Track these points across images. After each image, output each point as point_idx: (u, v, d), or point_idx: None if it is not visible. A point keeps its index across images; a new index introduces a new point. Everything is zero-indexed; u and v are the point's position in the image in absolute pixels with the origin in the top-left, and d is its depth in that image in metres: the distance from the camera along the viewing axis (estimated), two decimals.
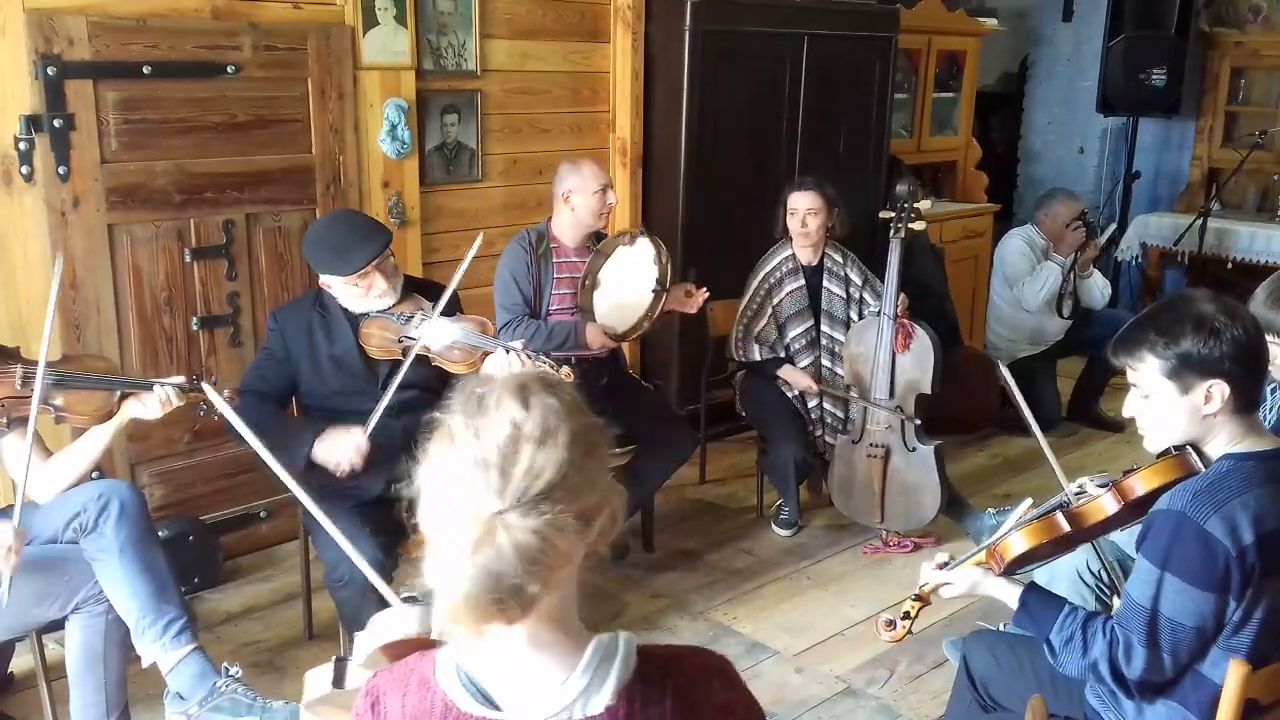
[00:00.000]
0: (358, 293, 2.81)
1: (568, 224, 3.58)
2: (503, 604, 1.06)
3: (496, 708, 1.15)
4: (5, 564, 2.23)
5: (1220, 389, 1.82)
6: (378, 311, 2.85)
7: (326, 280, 2.84)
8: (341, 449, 2.71)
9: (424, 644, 1.40)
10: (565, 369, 2.78)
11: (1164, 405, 1.88)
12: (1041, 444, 2.28)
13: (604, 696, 1.13)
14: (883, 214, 3.96)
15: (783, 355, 3.98)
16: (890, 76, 5.08)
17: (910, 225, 3.84)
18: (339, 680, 1.57)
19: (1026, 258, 4.96)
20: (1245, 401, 1.85)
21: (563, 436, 1.11)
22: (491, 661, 1.16)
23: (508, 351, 2.75)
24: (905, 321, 3.77)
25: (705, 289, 3.62)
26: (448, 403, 1.16)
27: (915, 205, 3.86)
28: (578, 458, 1.11)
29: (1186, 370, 1.83)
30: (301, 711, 1.65)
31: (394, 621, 1.49)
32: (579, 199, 3.52)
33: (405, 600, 1.55)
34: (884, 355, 3.77)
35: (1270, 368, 2.44)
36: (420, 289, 2.95)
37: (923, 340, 3.77)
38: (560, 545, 1.08)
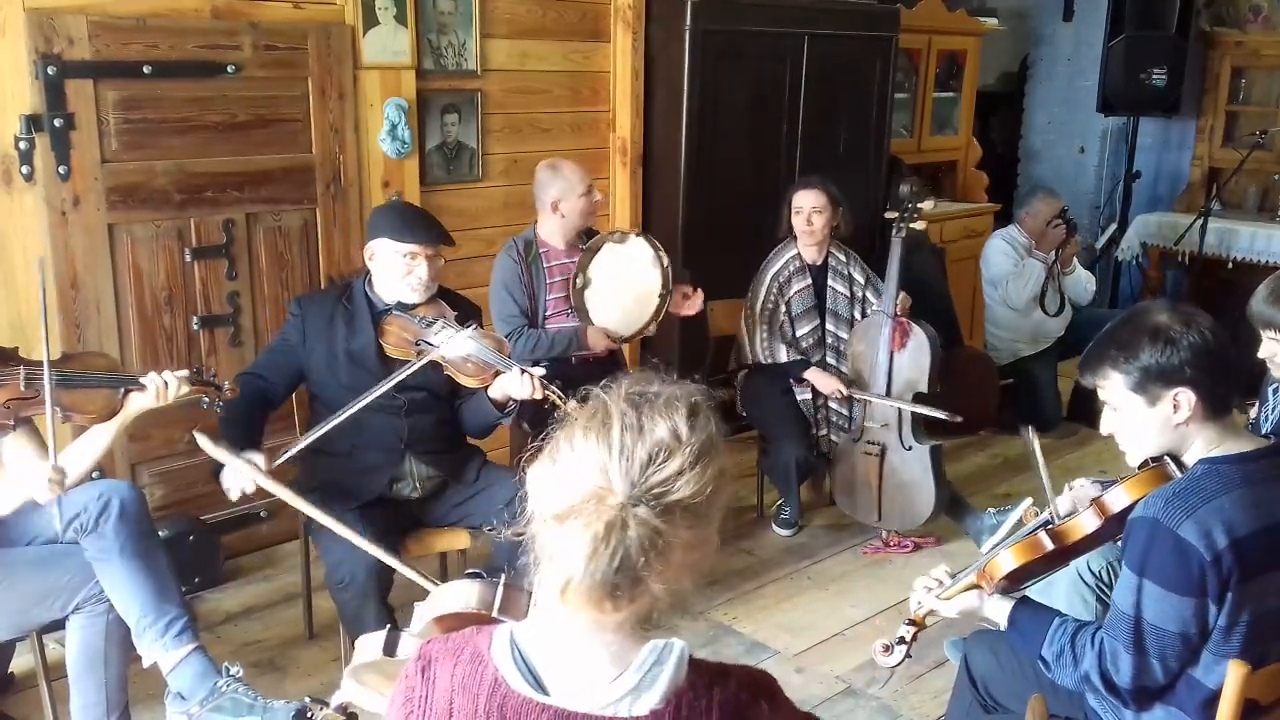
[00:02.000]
0: (399, 270, 2.80)
1: (557, 229, 3.56)
2: (617, 591, 1.10)
3: (545, 692, 1.16)
4: (49, 492, 2.24)
5: (1186, 397, 1.83)
6: (399, 310, 2.85)
7: (375, 247, 2.83)
8: (236, 477, 2.61)
9: (480, 619, 1.42)
10: (572, 403, 2.75)
11: (1135, 419, 1.89)
12: (1039, 463, 2.29)
13: (652, 699, 1.15)
14: (887, 214, 3.96)
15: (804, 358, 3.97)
16: (890, 76, 5.08)
17: (911, 225, 3.85)
18: (390, 648, 1.59)
19: (1009, 257, 4.97)
20: (1216, 405, 1.86)
21: (712, 469, 1.15)
22: (547, 646, 1.18)
23: (523, 374, 2.74)
24: (904, 320, 3.78)
25: (700, 292, 3.60)
26: (611, 381, 1.20)
27: (918, 205, 3.87)
28: (713, 489, 1.16)
29: (1149, 382, 1.84)
30: (346, 676, 1.65)
31: (454, 594, 1.51)
32: (567, 205, 3.51)
33: (468, 576, 1.57)
34: (882, 354, 3.78)
35: (1269, 366, 2.45)
36: (447, 299, 2.95)
37: (920, 339, 3.77)
38: (677, 554, 1.12)
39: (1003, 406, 5.05)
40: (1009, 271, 4.94)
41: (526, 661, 1.18)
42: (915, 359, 3.77)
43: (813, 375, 3.92)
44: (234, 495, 2.63)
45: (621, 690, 1.14)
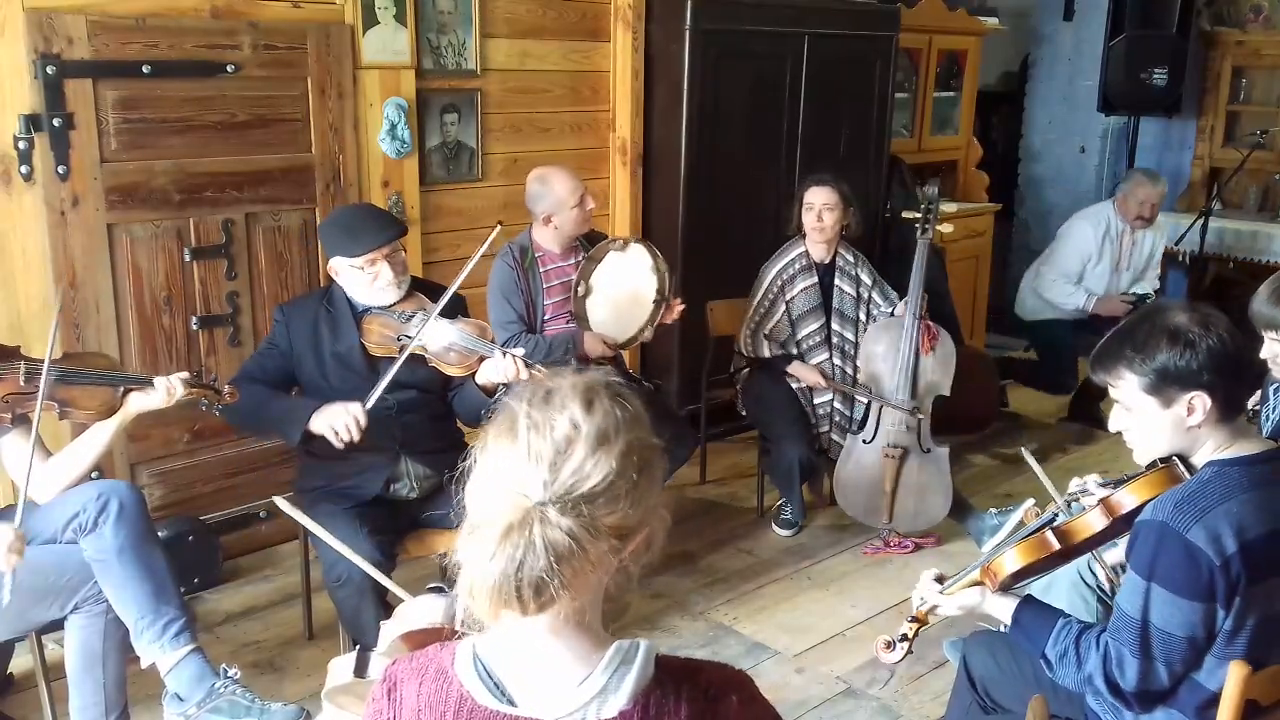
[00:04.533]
0: (364, 280, 2.80)
1: (552, 237, 3.56)
2: (520, 594, 1.07)
3: (512, 703, 1.15)
4: (6, 563, 2.22)
5: (1202, 400, 1.81)
6: (379, 308, 2.85)
7: (334, 265, 2.83)
8: (339, 418, 2.68)
9: (447, 634, 1.41)
10: None
11: (1147, 420, 1.87)
12: (1042, 480, 2.30)
13: (620, 700, 1.13)
14: (906, 214, 3.96)
15: (794, 352, 3.97)
16: (891, 76, 5.08)
17: (937, 227, 3.85)
18: (361, 669, 1.59)
19: (1079, 256, 5.03)
20: (1229, 409, 1.84)
21: (618, 447, 1.12)
22: (510, 656, 1.17)
23: (504, 356, 2.74)
24: (929, 323, 3.77)
25: (681, 302, 3.59)
26: (515, 389, 1.18)
27: (940, 208, 3.87)
28: (628, 471, 1.11)
29: (1165, 384, 1.82)
30: (323, 699, 1.66)
31: (418, 610, 1.52)
32: (560, 217, 3.49)
33: (431, 590, 1.57)
34: (908, 356, 3.76)
35: (1272, 366, 2.44)
36: (425, 290, 2.94)
37: (946, 342, 3.77)
38: (591, 552, 1.08)
39: (1003, 406, 5.07)
40: (1070, 270, 5.02)
41: (490, 674, 1.17)
42: (943, 362, 3.77)
43: (796, 369, 3.92)
44: (344, 436, 2.67)
45: (588, 694, 1.13)
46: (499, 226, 2.99)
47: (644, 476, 1.13)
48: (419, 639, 1.46)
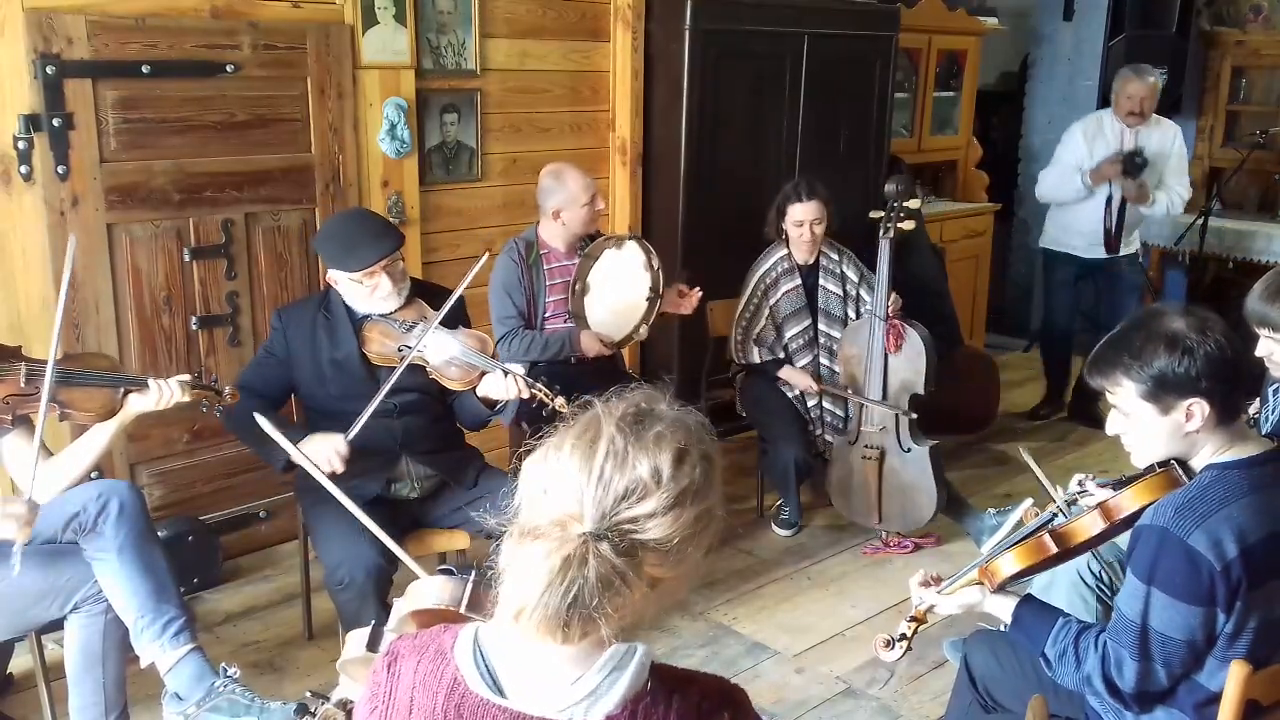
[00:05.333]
0: (363, 292, 2.79)
1: (558, 234, 3.56)
2: (569, 626, 1.09)
3: (503, 694, 1.16)
4: (19, 534, 2.22)
5: (1200, 407, 1.80)
6: (380, 315, 2.84)
7: (333, 276, 2.82)
8: (321, 452, 2.66)
9: (453, 615, 1.46)
10: (560, 399, 2.76)
11: (1145, 425, 1.87)
12: (1041, 479, 2.30)
13: (608, 704, 1.14)
14: (873, 214, 3.94)
15: (782, 356, 3.98)
16: (890, 76, 5.08)
17: (899, 225, 3.82)
18: (374, 644, 1.65)
19: (1072, 158, 4.96)
20: (1227, 413, 1.83)
21: (686, 516, 1.12)
22: (510, 648, 1.17)
23: (506, 374, 2.73)
24: (896, 322, 3.76)
25: (698, 289, 3.60)
26: (614, 392, 1.18)
27: (905, 204, 3.84)
28: (686, 535, 1.13)
29: (1163, 391, 1.81)
30: (339, 668, 1.71)
31: (429, 589, 1.57)
32: (569, 214, 3.50)
33: (441, 571, 1.61)
34: (876, 356, 3.77)
35: (1268, 364, 2.44)
36: (425, 294, 2.93)
37: (914, 341, 3.76)
38: (635, 593, 1.10)
39: (1000, 400, 5.08)
40: (1068, 166, 4.96)
41: (487, 663, 1.18)
42: (911, 361, 3.76)
43: (786, 374, 3.93)
44: (325, 469, 2.61)
45: (579, 694, 1.14)
46: (487, 255, 2.99)
47: (695, 540, 1.14)
48: (426, 618, 1.50)
